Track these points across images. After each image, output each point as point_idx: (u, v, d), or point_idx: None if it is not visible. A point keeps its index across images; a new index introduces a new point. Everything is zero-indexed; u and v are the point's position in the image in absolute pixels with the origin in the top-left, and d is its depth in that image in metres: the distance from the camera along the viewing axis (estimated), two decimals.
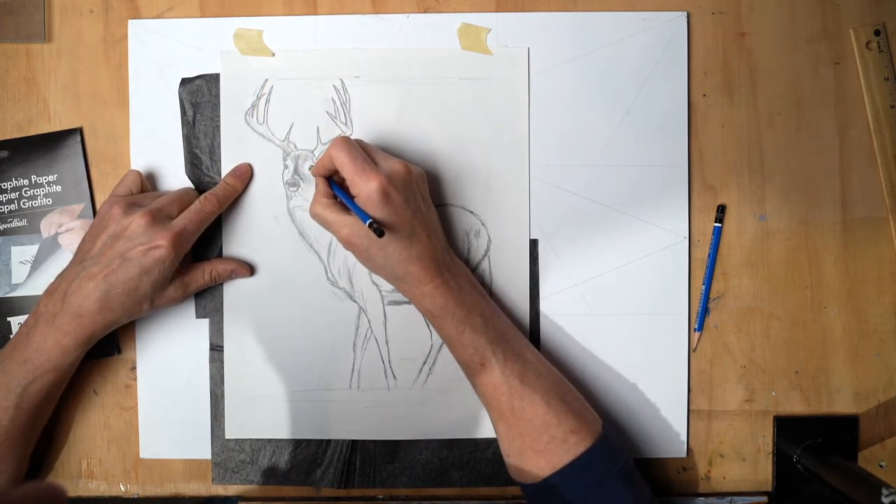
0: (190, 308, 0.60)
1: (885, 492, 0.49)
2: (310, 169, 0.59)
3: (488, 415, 0.55)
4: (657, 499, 0.59)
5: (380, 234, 0.49)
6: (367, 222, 0.49)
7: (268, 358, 0.60)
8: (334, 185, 0.54)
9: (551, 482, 0.51)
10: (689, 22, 0.60)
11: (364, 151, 0.53)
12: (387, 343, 0.60)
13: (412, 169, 0.53)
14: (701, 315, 0.60)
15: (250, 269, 0.59)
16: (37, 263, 0.60)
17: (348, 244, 0.53)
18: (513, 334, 0.55)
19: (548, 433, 0.52)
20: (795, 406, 0.61)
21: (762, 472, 0.61)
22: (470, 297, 0.54)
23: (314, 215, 0.54)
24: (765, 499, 0.60)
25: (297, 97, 0.59)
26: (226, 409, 0.60)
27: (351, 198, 0.52)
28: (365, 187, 0.50)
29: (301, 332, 0.60)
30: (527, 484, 0.53)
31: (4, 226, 0.60)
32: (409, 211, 0.52)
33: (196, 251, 0.59)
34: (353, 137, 0.58)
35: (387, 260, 0.52)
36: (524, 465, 0.53)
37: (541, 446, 0.52)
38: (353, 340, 0.60)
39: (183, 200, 0.56)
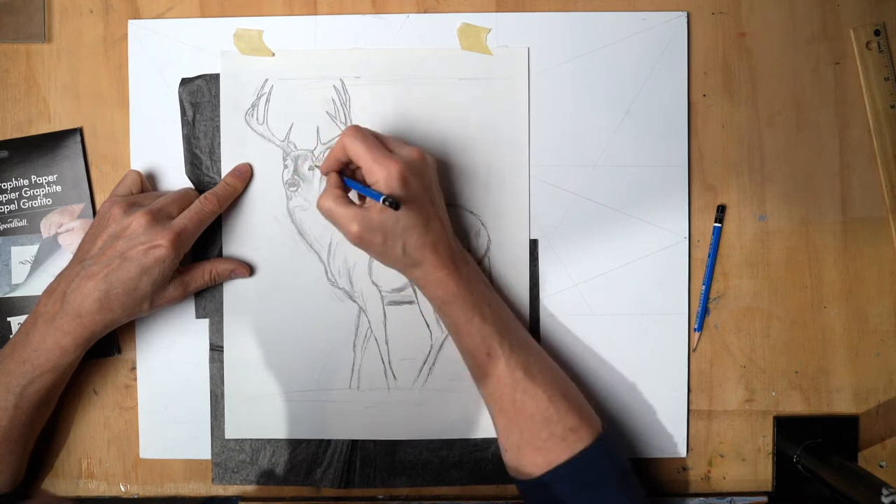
0: (190, 308, 0.60)
1: (885, 492, 0.49)
2: (310, 169, 0.59)
3: (488, 409, 0.55)
4: (657, 499, 0.59)
5: (396, 206, 0.48)
6: (381, 199, 0.48)
7: (268, 358, 0.60)
8: (345, 178, 0.54)
9: (547, 479, 0.51)
10: (689, 22, 0.60)
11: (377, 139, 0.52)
12: (387, 343, 0.60)
13: (426, 156, 0.53)
14: (701, 315, 0.60)
15: (250, 269, 0.59)
16: (37, 263, 0.60)
17: (360, 240, 0.51)
18: (518, 328, 0.55)
19: (547, 429, 0.52)
20: (795, 406, 0.61)
21: (762, 472, 0.61)
22: (478, 286, 0.54)
23: (323, 209, 0.52)
24: (765, 499, 0.60)
25: (297, 97, 0.59)
26: (226, 409, 0.60)
27: (365, 185, 0.51)
28: (384, 174, 0.50)
29: (301, 333, 0.60)
30: (523, 480, 0.53)
31: (4, 226, 0.60)
32: (426, 197, 0.51)
33: (196, 251, 0.59)
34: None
35: (405, 248, 0.51)
36: (521, 460, 0.53)
37: (539, 442, 0.52)
38: (353, 340, 0.60)
39: (183, 200, 0.56)
